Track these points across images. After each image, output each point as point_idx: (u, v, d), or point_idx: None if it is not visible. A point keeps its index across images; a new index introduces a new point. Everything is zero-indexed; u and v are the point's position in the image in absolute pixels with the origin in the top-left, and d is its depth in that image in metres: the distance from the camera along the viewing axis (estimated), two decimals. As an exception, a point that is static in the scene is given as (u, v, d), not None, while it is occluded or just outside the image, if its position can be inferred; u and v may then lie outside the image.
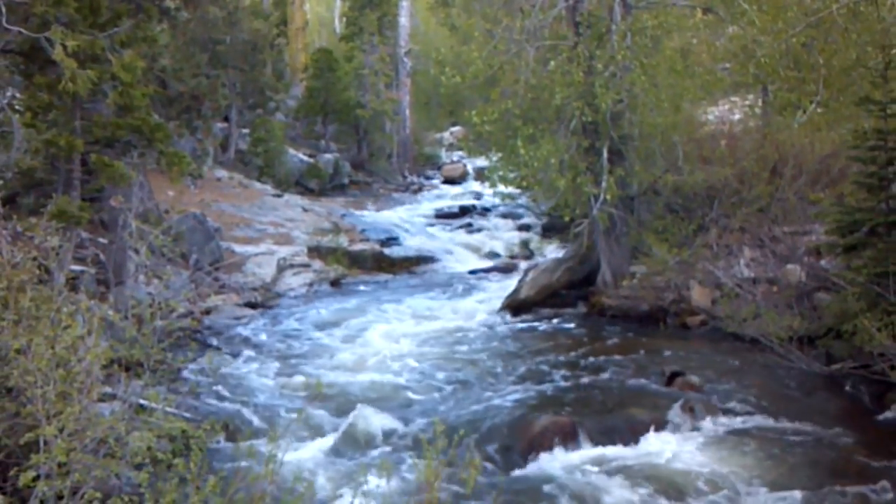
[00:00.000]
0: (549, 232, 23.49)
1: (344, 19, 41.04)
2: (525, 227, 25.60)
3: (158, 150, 12.93)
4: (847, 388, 11.02)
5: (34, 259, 7.53)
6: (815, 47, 16.56)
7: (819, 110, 16.64)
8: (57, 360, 6.10)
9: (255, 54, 29.88)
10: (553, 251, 21.03)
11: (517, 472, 9.24)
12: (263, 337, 14.89)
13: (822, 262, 13.50)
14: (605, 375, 12.13)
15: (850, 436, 9.72)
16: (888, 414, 10.24)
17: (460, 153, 39.15)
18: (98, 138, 12.24)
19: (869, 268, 10.57)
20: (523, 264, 20.66)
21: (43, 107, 11.92)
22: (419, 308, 17.25)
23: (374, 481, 8.40)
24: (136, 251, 12.27)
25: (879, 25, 15.08)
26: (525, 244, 23.60)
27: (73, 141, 11.66)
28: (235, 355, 13.50)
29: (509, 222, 26.52)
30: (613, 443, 9.79)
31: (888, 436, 9.76)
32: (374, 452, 9.63)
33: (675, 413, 10.38)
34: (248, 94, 30.63)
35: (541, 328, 15.31)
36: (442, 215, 28.59)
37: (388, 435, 10.16)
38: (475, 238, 25.01)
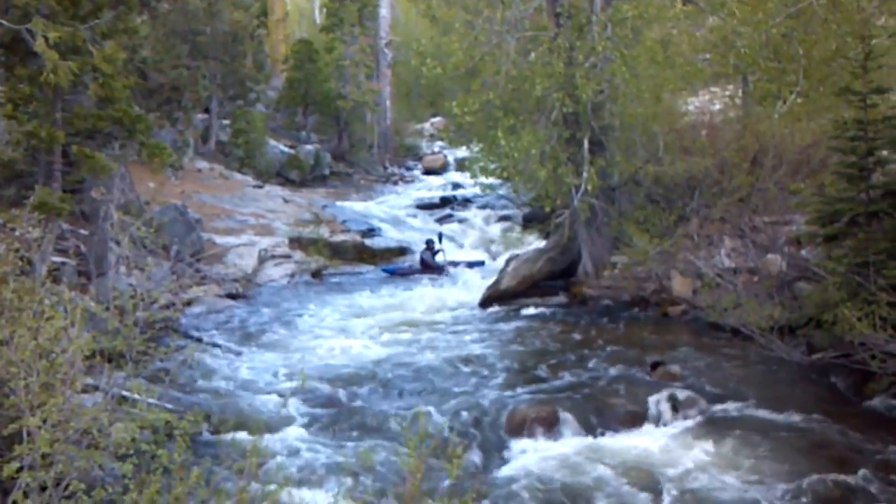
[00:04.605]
0: (529, 223, 23.53)
1: (324, 10, 40.92)
2: (506, 218, 25.62)
3: (139, 142, 12.88)
4: (828, 377, 11.09)
5: (16, 251, 7.50)
6: (796, 38, 16.61)
7: (799, 101, 16.71)
8: (40, 351, 6.08)
9: (235, 45, 29.78)
10: (534, 242, 21.07)
11: (499, 461, 9.27)
12: (245, 327, 14.86)
13: (803, 252, 13.59)
14: (587, 365, 12.17)
15: (831, 425, 9.79)
16: (868, 403, 10.32)
17: (441, 144, 39.13)
18: (79, 130, 12.17)
19: (849, 257, 10.63)
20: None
21: (24, 98, 11.84)
22: (400, 298, 17.26)
23: (356, 472, 8.43)
24: (118, 242, 12.20)
25: (859, 16, 15.17)
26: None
27: (54, 132, 11.59)
28: (217, 346, 13.46)
29: (490, 213, 26.53)
30: (595, 432, 9.84)
31: (868, 424, 9.83)
32: (357, 443, 9.63)
33: (656, 402, 10.43)
34: (228, 86, 30.51)
35: (522, 318, 15.34)
36: (423, 206, 28.58)
37: (370, 425, 10.18)
38: (455, 229, 25.00)
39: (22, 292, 6.83)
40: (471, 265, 20.32)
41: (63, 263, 12.95)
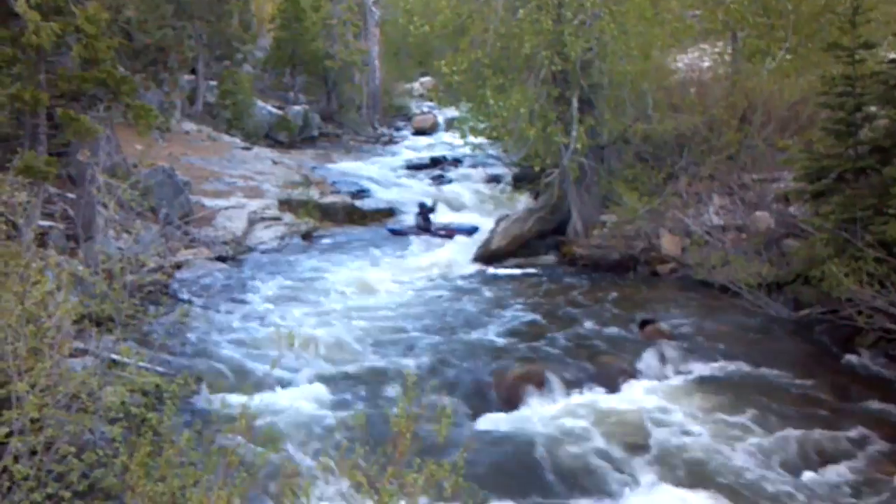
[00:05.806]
0: (519, 182, 23.45)
1: (310, -32, 40.40)
2: (496, 178, 25.53)
3: (125, 104, 12.73)
4: (815, 332, 11.19)
5: (1, 215, 7.46)
6: (785, -7, 16.55)
7: (788, 57, 16.67)
8: (27, 315, 6.05)
9: (221, 4, 29.38)
10: (524, 201, 21.02)
11: (490, 421, 9.32)
12: (235, 290, 14.83)
13: (791, 209, 13.62)
14: (577, 324, 12.21)
15: (818, 379, 9.89)
16: (854, 357, 10.42)
17: (431, 104, 38.87)
18: (63, 92, 12.04)
19: (837, 214, 10.66)
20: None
21: (6, 60, 11.68)
22: (390, 260, 17.26)
23: (346, 432, 8.46)
24: (105, 206, 12.10)
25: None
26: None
27: (38, 95, 11.47)
28: (207, 309, 13.44)
29: (480, 173, 26.45)
30: (585, 390, 9.90)
31: (854, 378, 9.96)
32: (347, 403, 9.67)
33: (645, 360, 10.52)
34: (214, 46, 30.14)
35: (512, 278, 15.37)
36: (413, 167, 28.44)
37: (361, 385, 10.21)
38: (446, 189, 24.93)
39: (8, 257, 6.79)
40: (458, 230, 20.20)
41: (50, 227, 12.90)
